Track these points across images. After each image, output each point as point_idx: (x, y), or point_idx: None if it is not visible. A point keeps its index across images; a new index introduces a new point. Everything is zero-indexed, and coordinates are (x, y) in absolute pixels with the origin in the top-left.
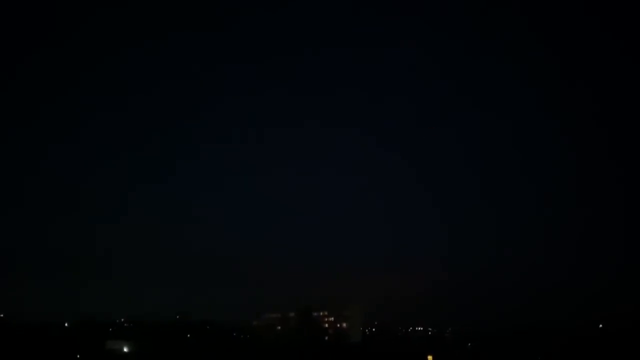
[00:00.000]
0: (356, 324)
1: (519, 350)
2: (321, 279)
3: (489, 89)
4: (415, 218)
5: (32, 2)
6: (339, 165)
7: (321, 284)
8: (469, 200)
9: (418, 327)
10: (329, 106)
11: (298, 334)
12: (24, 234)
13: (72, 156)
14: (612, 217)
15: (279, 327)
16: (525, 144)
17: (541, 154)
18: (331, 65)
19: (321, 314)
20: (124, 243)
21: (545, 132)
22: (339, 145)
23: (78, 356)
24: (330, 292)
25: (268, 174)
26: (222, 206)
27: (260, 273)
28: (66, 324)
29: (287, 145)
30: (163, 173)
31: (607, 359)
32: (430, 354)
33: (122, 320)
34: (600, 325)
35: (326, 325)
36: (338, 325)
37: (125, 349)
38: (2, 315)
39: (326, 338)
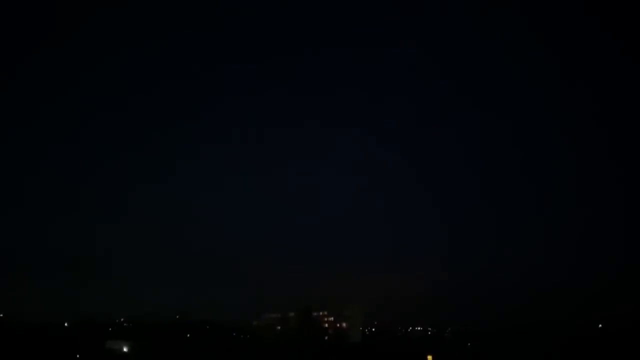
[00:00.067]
0: (356, 324)
1: (519, 350)
2: (321, 279)
3: (489, 89)
4: (415, 218)
5: (32, 2)
6: (339, 165)
7: (321, 284)
8: (469, 200)
9: (418, 327)
10: (329, 106)
11: (298, 334)
12: (24, 234)
13: (72, 156)
14: (612, 217)
15: (279, 327)
16: (525, 144)
17: (541, 154)
18: (331, 65)
19: (321, 314)
20: (124, 243)
21: (545, 132)
22: (339, 145)
23: (78, 356)
24: (330, 292)
25: (268, 174)
26: (222, 206)
27: (260, 273)
28: (66, 324)
29: (287, 145)
30: (163, 173)
31: (607, 359)
32: (430, 354)
33: (122, 320)
34: (600, 325)
35: (326, 325)
36: (338, 325)
37: (125, 349)
38: (2, 315)
39: (326, 338)
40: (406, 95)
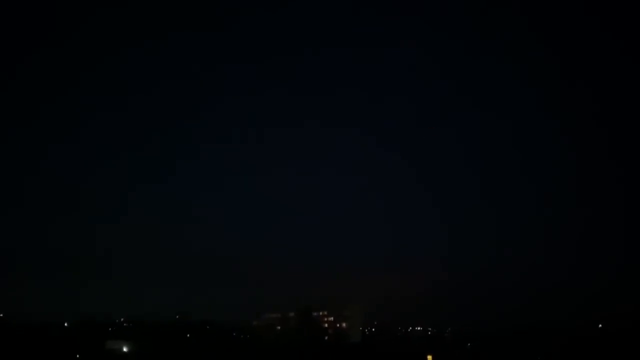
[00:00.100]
0: (356, 324)
1: (519, 350)
2: (321, 279)
3: (489, 89)
4: (415, 218)
5: (32, 2)
6: (339, 165)
7: (321, 284)
8: (469, 200)
9: (418, 327)
10: (329, 106)
11: (298, 334)
12: (24, 234)
13: (72, 156)
14: (612, 217)
15: (279, 327)
16: (525, 144)
17: (541, 154)
18: (331, 65)
19: (321, 314)
20: (124, 243)
21: (545, 132)
22: (339, 145)
23: (78, 356)
24: (330, 292)
25: (268, 174)
26: (222, 206)
27: (260, 273)
28: (66, 324)
29: (287, 145)
30: (163, 173)
31: (607, 359)
32: (430, 354)
33: (122, 320)
34: (600, 325)
35: (326, 325)
36: (338, 325)
37: (125, 349)
38: (2, 315)
39: (326, 338)
40: (406, 95)
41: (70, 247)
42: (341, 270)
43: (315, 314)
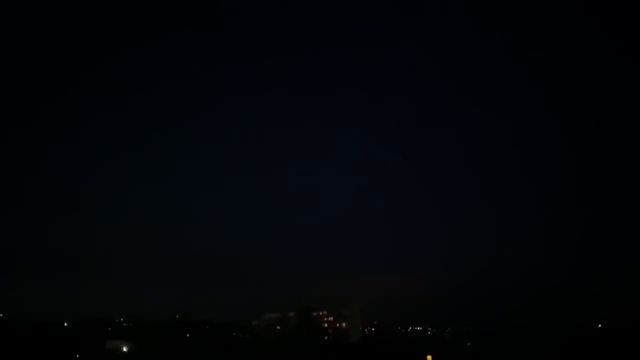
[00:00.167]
0: (356, 323)
1: (519, 350)
2: (321, 279)
3: (489, 89)
4: (415, 218)
5: (32, 2)
6: (339, 165)
7: (321, 284)
8: (469, 200)
9: (418, 327)
10: (329, 106)
11: (298, 333)
12: (24, 234)
13: (72, 156)
14: (612, 217)
15: (279, 327)
16: (525, 144)
17: (541, 154)
18: (331, 65)
19: (321, 313)
20: (124, 243)
21: (545, 132)
22: (339, 145)
23: (78, 356)
24: (330, 292)
25: (268, 174)
26: (222, 206)
27: (260, 273)
28: (66, 324)
29: (287, 145)
30: (163, 173)
31: (607, 359)
32: (429, 354)
33: (122, 320)
34: (600, 325)
35: (326, 325)
36: (338, 325)
37: (124, 349)
38: (2, 315)
39: (326, 338)
40: (406, 95)
41: (70, 247)
42: (341, 270)
43: (315, 314)
